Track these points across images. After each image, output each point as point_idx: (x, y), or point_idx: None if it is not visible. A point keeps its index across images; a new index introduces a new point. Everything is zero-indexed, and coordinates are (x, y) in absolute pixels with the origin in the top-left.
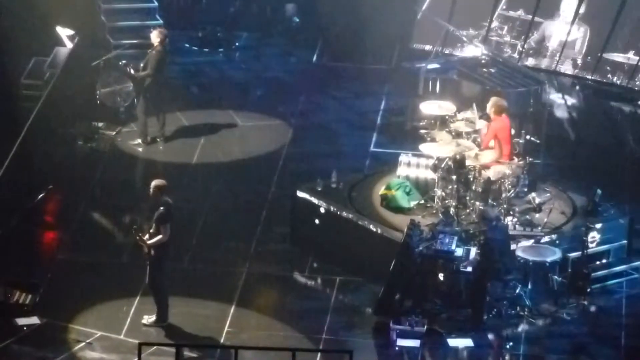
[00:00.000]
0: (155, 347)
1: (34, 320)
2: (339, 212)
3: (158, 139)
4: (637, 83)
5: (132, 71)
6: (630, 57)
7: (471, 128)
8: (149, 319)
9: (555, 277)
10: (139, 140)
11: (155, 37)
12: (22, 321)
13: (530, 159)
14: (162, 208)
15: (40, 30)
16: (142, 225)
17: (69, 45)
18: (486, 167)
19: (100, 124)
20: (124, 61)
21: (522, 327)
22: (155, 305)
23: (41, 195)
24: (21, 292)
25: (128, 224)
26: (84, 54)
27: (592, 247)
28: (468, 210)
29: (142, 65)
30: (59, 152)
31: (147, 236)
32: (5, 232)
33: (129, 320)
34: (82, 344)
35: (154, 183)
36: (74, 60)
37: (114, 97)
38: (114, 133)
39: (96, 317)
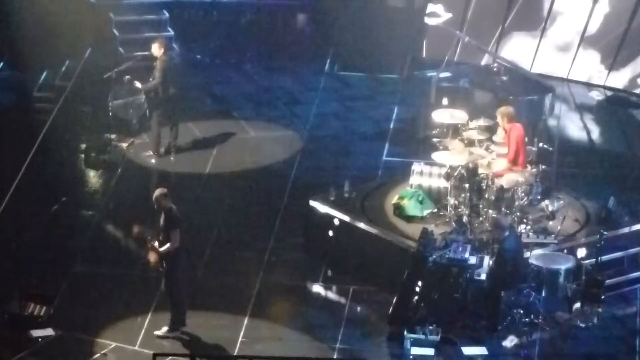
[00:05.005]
0: (169, 357)
1: (49, 332)
2: (352, 222)
3: (170, 151)
4: None
5: (139, 85)
6: None
7: (484, 136)
8: (162, 329)
9: (569, 284)
10: (152, 152)
11: (157, 49)
12: (37, 333)
13: (543, 167)
14: (167, 215)
15: (51, 43)
16: (153, 235)
17: None
18: (499, 175)
19: (112, 136)
20: (127, 77)
21: (536, 335)
22: (171, 313)
23: (54, 207)
24: (36, 304)
25: (140, 235)
26: (96, 66)
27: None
28: (481, 219)
29: (151, 78)
30: (71, 164)
31: (156, 244)
32: (19, 245)
33: (143, 331)
34: (97, 356)
35: (155, 193)
36: (86, 72)
37: (126, 109)
38: (127, 145)
39: (111, 328)
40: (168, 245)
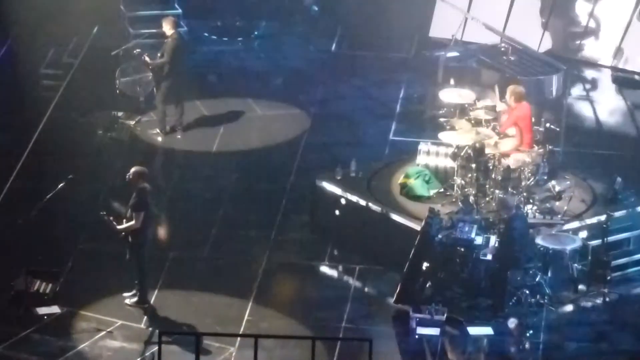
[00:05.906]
0: (175, 335)
1: (55, 309)
2: (358, 201)
3: (176, 129)
4: None
5: (147, 59)
6: None
7: (491, 116)
8: (131, 299)
9: (575, 265)
10: (158, 130)
11: (167, 26)
12: (42, 310)
13: (550, 147)
14: (136, 195)
15: (59, 20)
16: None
17: None
18: (506, 155)
19: (119, 114)
20: (138, 50)
21: (542, 315)
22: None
23: (61, 184)
24: (42, 282)
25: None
26: (103, 43)
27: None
28: (487, 199)
29: (159, 54)
30: (78, 141)
31: (124, 221)
32: (25, 222)
33: (149, 308)
34: (103, 333)
35: (133, 169)
36: (94, 49)
37: (134, 87)
38: (134, 122)
39: (117, 306)
40: (128, 224)
